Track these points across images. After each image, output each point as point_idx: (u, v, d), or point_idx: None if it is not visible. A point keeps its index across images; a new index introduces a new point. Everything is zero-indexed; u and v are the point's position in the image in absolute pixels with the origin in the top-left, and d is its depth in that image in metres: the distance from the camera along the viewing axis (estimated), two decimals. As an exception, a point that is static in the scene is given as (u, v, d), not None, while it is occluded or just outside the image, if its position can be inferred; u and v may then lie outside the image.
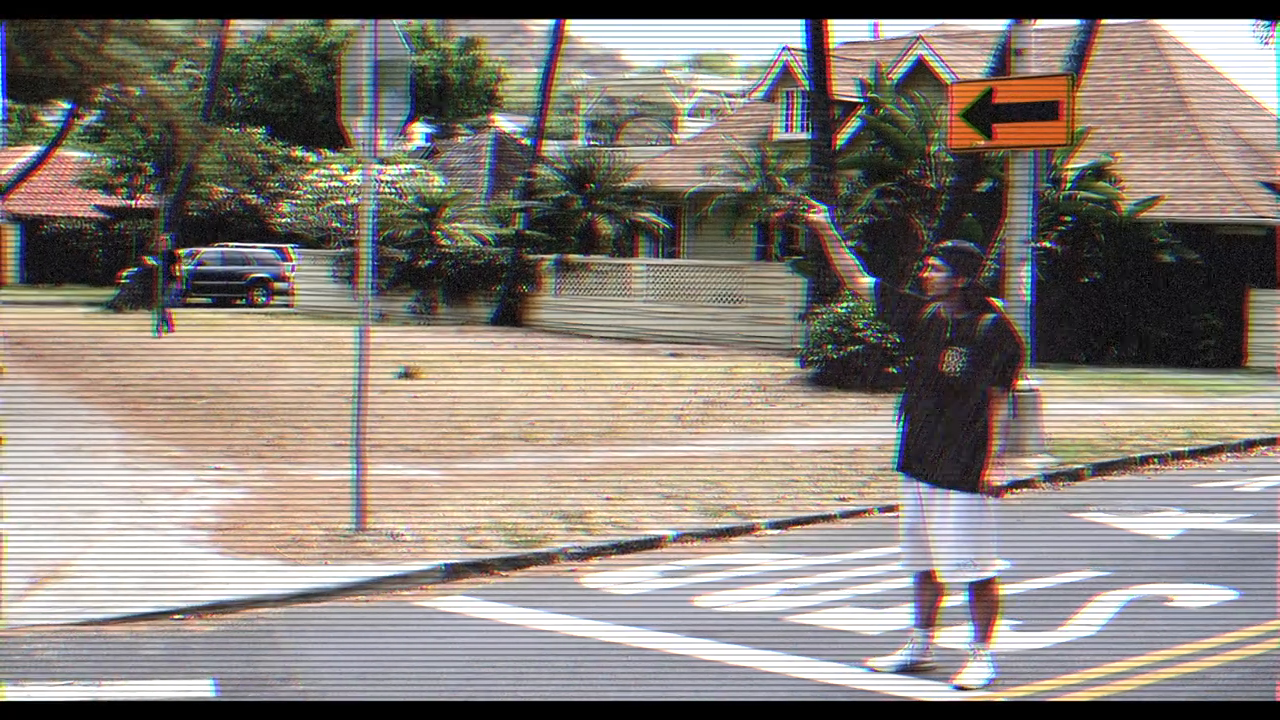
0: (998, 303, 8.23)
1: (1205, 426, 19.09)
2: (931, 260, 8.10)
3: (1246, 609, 9.59)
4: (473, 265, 40.23)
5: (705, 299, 35.74)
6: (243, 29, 61.54)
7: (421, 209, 41.29)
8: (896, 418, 8.18)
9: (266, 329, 34.94)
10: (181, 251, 34.22)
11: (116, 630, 8.84)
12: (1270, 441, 18.41)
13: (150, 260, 35.50)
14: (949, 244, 8.19)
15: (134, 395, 20.00)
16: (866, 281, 8.38)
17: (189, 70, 55.77)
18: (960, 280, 7.99)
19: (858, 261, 8.45)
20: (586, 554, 11.20)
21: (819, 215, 8.47)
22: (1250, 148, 34.38)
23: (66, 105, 39.79)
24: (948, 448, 7.88)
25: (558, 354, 29.35)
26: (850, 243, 29.02)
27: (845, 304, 22.58)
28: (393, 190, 42.37)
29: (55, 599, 9.36)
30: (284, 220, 47.85)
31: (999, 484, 7.86)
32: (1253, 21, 32.59)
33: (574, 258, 38.65)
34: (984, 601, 7.97)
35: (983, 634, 7.96)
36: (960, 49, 37.81)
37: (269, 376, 22.81)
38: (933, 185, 29.84)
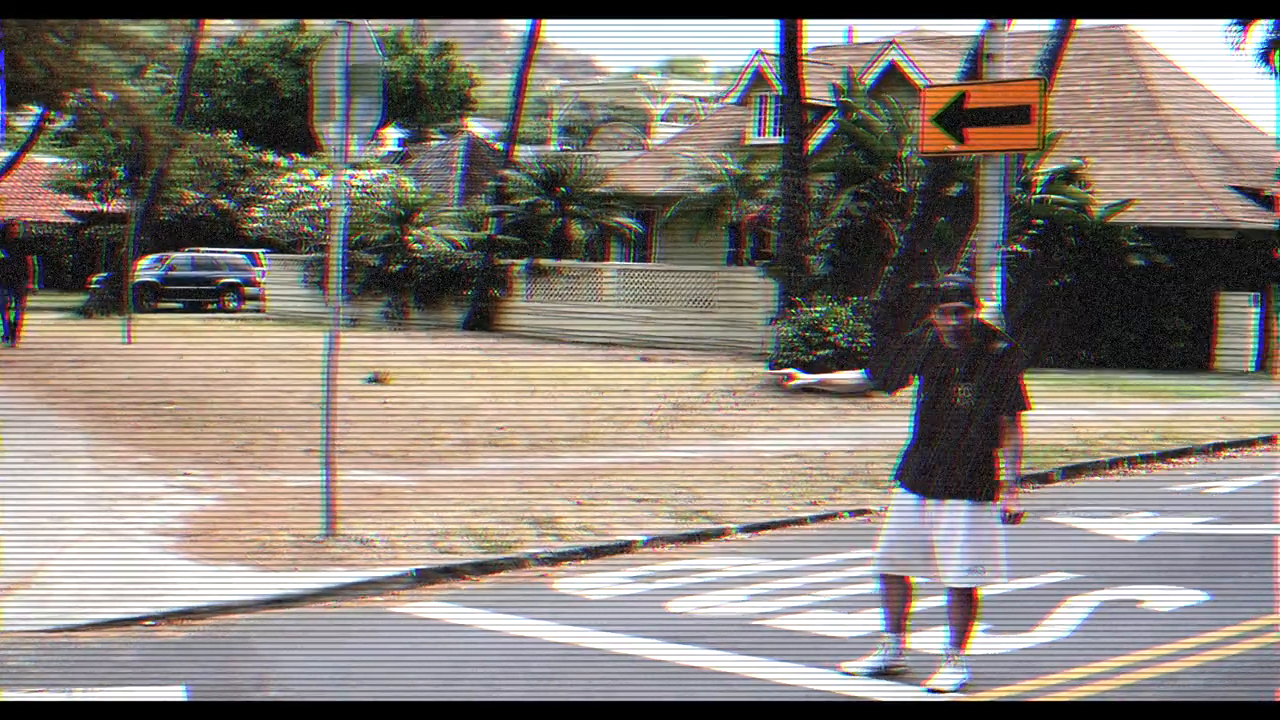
0: (1000, 327, 8.26)
1: (1174, 430, 19.17)
2: (952, 306, 7.97)
3: (1217, 611, 9.64)
4: (444, 270, 40.12)
5: (677, 303, 35.72)
6: (215, 33, 61.30)
7: (395, 213, 41.20)
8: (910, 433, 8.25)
9: (237, 334, 34.81)
10: (34, 259, 32.32)
11: (87, 637, 8.79)
12: (1238, 444, 18.52)
13: None
14: (958, 285, 8.08)
15: (104, 401, 19.89)
16: (861, 380, 8.69)
17: (161, 75, 55.58)
18: (971, 314, 8.03)
19: (847, 376, 8.81)
20: (557, 559, 11.19)
21: (798, 381, 8.64)
22: (1221, 151, 34.55)
23: (37, 109, 39.61)
24: (960, 463, 7.93)
25: (529, 359, 29.31)
26: (823, 246, 29.15)
27: (817, 308, 22.59)
28: (364, 195, 42.24)
29: (25, 606, 9.31)
30: (255, 225, 47.71)
31: (1015, 510, 7.93)
32: (1225, 24, 32.86)
33: (546, 262, 38.59)
34: (965, 607, 7.99)
35: (959, 638, 7.98)
36: (933, 53, 37.92)
37: (239, 382, 22.72)
38: (904, 189, 29.87)
